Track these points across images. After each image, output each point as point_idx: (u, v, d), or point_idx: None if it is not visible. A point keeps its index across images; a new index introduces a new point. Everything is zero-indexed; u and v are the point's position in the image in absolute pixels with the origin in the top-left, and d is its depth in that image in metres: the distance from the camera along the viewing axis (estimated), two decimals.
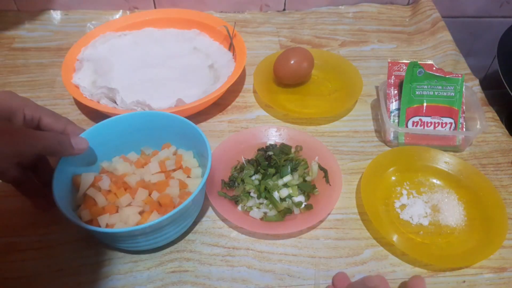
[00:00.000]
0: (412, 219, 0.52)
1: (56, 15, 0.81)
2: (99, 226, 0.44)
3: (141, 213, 0.46)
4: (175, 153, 0.52)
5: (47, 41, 0.77)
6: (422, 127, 0.60)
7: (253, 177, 0.53)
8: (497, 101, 0.72)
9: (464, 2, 0.90)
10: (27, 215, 0.51)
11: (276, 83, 0.69)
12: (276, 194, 0.51)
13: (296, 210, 0.51)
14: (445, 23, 0.81)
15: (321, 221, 0.51)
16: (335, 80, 0.70)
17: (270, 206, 0.51)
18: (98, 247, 0.48)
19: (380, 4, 0.86)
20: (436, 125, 0.60)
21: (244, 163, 0.55)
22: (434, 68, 0.61)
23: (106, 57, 0.69)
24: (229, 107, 0.66)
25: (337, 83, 0.70)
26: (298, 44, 0.78)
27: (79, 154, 0.45)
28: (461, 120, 0.60)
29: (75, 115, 0.63)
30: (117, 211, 0.46)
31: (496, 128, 0.64)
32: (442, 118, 0.60)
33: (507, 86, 0.67)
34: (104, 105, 0.59)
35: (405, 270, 0.47)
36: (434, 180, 0.56)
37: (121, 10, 0.82)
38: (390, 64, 0.63)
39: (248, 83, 0.70)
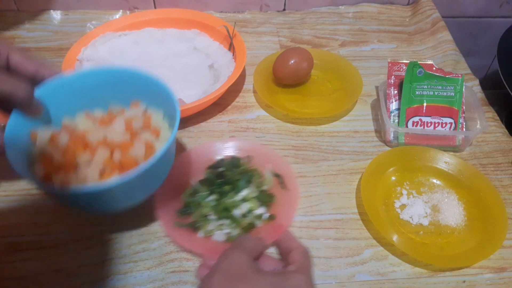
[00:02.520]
0: (412, 219, 0.52)
1: (56, 15, 0.81)
2: (55, 184, 0.40)
3: (101, 173, 0.41)
4: (144, 113, 0.48)
5: (47, 41, 0.77)
6: (422, 127, 0.60)
7: (209, 199, 0.50)
8: (497, 101, 0.72)
9: (464, 2, 0.90)
10: (27, 215, 0.51)
11: (276, 83, 0.69)
12: (236, 211, 0.48)
13: (259, 223, 0.48)
14: (445, 23, 0.81)
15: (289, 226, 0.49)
16: (335, 80, 0.70)
17: (233, 225, 0.48)
18: (98, 247, 0.48)
19: (380, 4, 0.86)
20: (436, 125, 0.60)
21: (196, 185, 0.51)
22: (434, 68, 0.61)
23: (106, 57, 0.69)
24: (229, 107, 0.66)
25: (337, 83, 0.70)
26: (298, 44, 0.78)
27: (27, 116, 0.41)
28: (461, 120, 0.60)
29: None
30: (72, 170, 0.41)
31: (496, 128, 0.64)
32: (442, 118, 0.60)
33: (507, 86, 0.67)
34: None
35: (405, 270, 0.47)
36: (434, 180, 0.56)
37: (121, 10, 0.82)
38: (390, 64, 0.63)
39: (248, 83, 0.70)
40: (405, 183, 0.56)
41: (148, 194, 0.45)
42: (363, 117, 0.65)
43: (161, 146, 0.44)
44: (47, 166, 0.42)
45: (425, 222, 0.51)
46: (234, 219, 0.48)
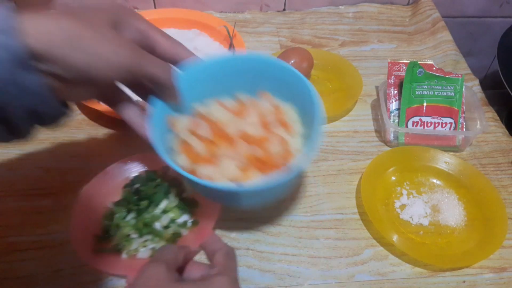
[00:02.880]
0: (412, 219, 0.52)
1: None
2: (197, 176, 0.40)
3: (240, 168, 0.41)
4: (273, 104, 0.46)
5: None
6: (422, 127, 0.60)
7: (128, 218, 0.48)
8: (497, 101, 0.72)
9: (464, 2, 0.90)
10: (27, 215, 0.51)
11: None
12: (157, 225, 0.47)
13: (184, 231, 0.47)
14: (445, 23, 0.81)
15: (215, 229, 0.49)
16: (335, 80, 0.70)
17: (156, 239, 0.47)
18: None
19: (380, 4, 0.86)
20: (436, 125, 0.60)
21: (112, 207, 0.49)
22: (434, 68, 0.61)
23: None
24: None
25: (337, 83, 0.70)
26: (298, 44, 0.78)
27: (166, 101, 0.42)
28: (461, 120, 0.60)
29: (75, 115, 0.63)
30: (214, 162, 0.41)
31: (496, 128, 0.64)
32: (442, 118, 0.60)
33: (507, 86, 0.67)
34: (103, 104, 0.59)
35: (405, 270, 0.47)
36: (434, 180, 0.56)
37: None
38: (390, 64, 0.63)
39: None
40: (405, 183, 0.56)
41: (287, 193, 0.45)
42: (363, 117, 0.65)
43: (294, 141, 0.43)
44: (190, 157, 0.41)
45: (425, 222, 0.51)
46: (156, 233, 0.46)
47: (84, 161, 0.57)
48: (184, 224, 0.48)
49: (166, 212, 0.48)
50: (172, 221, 0.48)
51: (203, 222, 0.48)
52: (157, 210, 0.48)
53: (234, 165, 0.41)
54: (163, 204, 0.48)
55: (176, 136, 0.43)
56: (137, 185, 0.50)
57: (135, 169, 0.53)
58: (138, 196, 0.49)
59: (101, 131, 0.61)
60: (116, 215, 0.47)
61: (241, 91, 0.48)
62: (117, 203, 0.49)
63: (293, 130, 0.44)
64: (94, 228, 0.47)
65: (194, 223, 0.48)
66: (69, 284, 0.45)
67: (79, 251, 0.44)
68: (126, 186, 0.51)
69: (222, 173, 0.40)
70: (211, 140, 0.42)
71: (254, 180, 0.40)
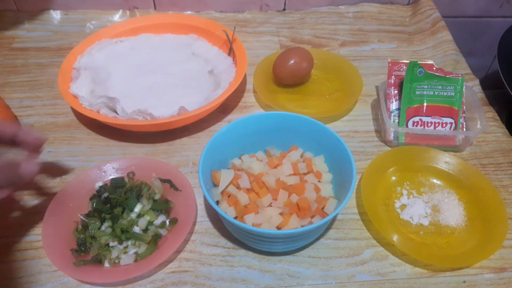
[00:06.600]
0: (412, 219, 0.52)
1: (55, 15, 0.81)
2: (247, 224, 0.44)
3: (280, 214, 0.46)
4: (302, 156, 0.53)
5: (46, 41, 0.77)
6: (422, 127, 0.60)
7: (103, 227, 0.47)
8: (497, 101, 0.72)
9: (464, 2, 0.90)
10: (27, 215, 0.51)
11: (276, 83, 0.69)
12: (136, 229, 0.47)
13: (163, 232, 0.48)
14: (445, 23, 0.81)
15: (194, 223, 0.51)
16: (335, 80, 0.70)
17: (137, 243, 0.47)
18: None
19: (380, 4, 0.86)
20: (436, 125, 0.60)
21: (84, 219, 0.48)
22: (434, 68, 0.61)
23: (103, 65, 0.68)
24: (229, 107, 0.66)
25: (337, 83, 0.70)
26: (298, 44, 0.78)
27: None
28: (461, 120, 0.60)
29: (75, 123, 0.63)
30: (257, 211, 0.46)
31: (496, 128, 0.64)
32: (442, 118, 0.60)
33: (507, 86, 0.67)
34: (104, 115, 0.58)
35: (406, 270, 0.47)
36: (434, 180, 0.56)
37: (120, 10, 0.82)
38: (390, 64, 0.63)
39: (248, 83, 0.70)
40: (405, 183, 0.55)
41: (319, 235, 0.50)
42: (363, 117, 0.65)
43: (324, 188, 0.49)
44: (237, 208, 0.46)
45: (425, 222, 0.51)
46: (136, 237, 0.46)
47: (84, 161, 0.57)
48: (162, 225, 0.48)
49: (142, 215, 0.49)
50: (150, 223, 0.48)
51: (182, 219, 0.48)
52: (133, 215, 0.48)
53: (276, 212, 0.46)
54: (137, 208, 0.49)
55: (221, 189, 0.48)
56: (105, 194, 0.50)
57: (98, 179, 0.52)
58: (110, 204, 0.49)
59: (101, 131, 0.61)
60: (90, 226, 0.47)
61: (272, 145, 0.54)
62: (88, 215, 0.49)
63: (323, 178, 0.50)
64: (69, 243, 0.46)
65: (173, 221, 0.49)
66: (69, 283, 0.45)
67: (60, 267, 0.44)
68: (93, 197, 0.50)
69: (267, 220, 0.45)
70: (253, 191, 0.47)
71: (294, 224, 0.45)
